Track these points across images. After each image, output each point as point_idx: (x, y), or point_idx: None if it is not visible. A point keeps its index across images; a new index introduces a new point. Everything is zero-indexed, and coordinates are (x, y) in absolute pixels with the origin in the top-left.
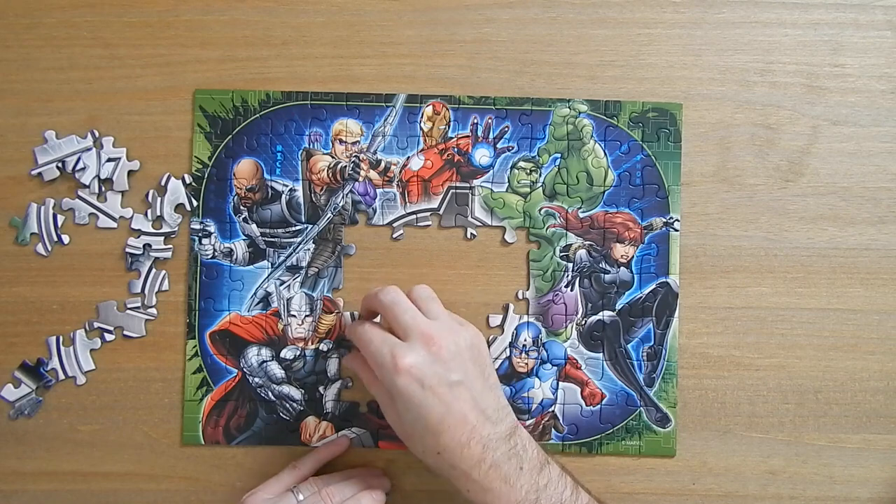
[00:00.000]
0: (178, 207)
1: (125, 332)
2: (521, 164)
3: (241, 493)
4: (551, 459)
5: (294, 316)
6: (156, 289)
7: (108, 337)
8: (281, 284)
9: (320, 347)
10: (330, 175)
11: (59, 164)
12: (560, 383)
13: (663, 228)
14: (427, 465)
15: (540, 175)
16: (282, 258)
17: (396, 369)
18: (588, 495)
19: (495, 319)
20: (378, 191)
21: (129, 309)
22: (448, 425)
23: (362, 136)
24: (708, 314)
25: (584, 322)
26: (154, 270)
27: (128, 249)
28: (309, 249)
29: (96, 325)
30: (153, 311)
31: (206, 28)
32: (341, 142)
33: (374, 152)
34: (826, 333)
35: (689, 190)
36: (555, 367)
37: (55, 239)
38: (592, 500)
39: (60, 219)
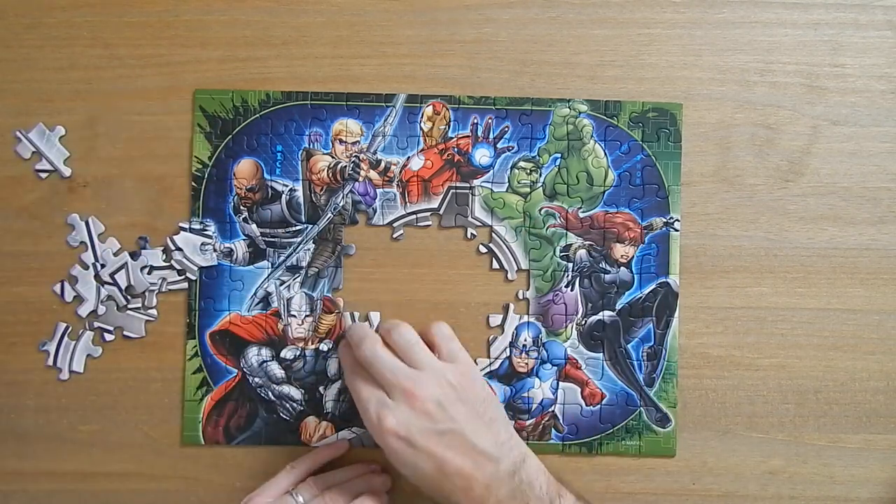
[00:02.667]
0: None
1: (125, 333)
2: (521, 164)
3: (242, 493)
4: (565, 491)
5: (294, 316)
6: (156, 289)
7: (108, 337)
8: (281, 284)
9: (320, 347)
10: (330, 175)
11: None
12: (560, 383)
13: (663, 228)
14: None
15: (540, 175)
16: (282, 258)
17: (382, 431)
18: None
19: (495, 319)
20: (378, 191)
21: (130, 309)
22: (445, 474)
23: (362, 136)
24: (708, 314)
25: (584, 322)
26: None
27: (141, 278)
28: (309, 249)
29: (96, 325)
30: (153, 311)
31: (206, 28)
32: (341, 142)
33: (374, 152)
34: (826, 333)
35: (689, 190)
36: (555, 367)
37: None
38: None
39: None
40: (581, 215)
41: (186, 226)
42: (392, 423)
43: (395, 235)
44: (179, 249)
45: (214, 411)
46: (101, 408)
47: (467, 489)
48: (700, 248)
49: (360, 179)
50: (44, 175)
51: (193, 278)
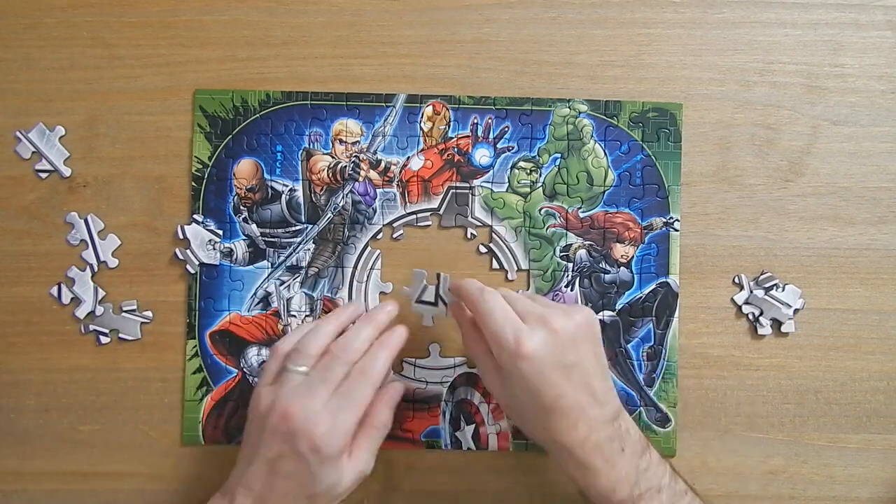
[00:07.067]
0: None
1: (120, 335)
2: (521, 164)
3: None
4: (651, 447)
5: (294, 316)
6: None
7: (104, 340)
8: (281, 284)
9: None
10: (330, 175)
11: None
12: None
13: (663, 228)
14: (525, 433)
15: (540, 175)
16: (282, 258)
17: (519, 354)
18: (684, 484)
19: None
20: (378, 191)
21: (125, 312)
22: (560, 407)
23: (362, 136)
24: (708, 314)
25: None
26: None
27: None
28: (309, 249)
29: (92, 327)
30: (149, 314)
31: (206, 28)
32: (341, 142)
33: (374, 152)
34: (826, 333)
35: (689, 190)
36: None
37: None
38: (688, 488)
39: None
40: (581, 215)
41: (200, 218)
42: (531, 346)
43: (395, 235)
44: (187, 240)
45: (214, 411)
46: (101, 408)
47: (573, 427)
48: (700, 248)
49: (360, 179)
50: (44, 175)
51: (192, 271)
